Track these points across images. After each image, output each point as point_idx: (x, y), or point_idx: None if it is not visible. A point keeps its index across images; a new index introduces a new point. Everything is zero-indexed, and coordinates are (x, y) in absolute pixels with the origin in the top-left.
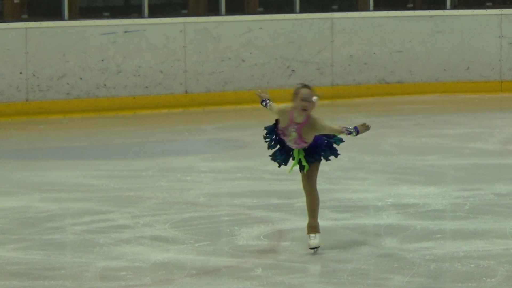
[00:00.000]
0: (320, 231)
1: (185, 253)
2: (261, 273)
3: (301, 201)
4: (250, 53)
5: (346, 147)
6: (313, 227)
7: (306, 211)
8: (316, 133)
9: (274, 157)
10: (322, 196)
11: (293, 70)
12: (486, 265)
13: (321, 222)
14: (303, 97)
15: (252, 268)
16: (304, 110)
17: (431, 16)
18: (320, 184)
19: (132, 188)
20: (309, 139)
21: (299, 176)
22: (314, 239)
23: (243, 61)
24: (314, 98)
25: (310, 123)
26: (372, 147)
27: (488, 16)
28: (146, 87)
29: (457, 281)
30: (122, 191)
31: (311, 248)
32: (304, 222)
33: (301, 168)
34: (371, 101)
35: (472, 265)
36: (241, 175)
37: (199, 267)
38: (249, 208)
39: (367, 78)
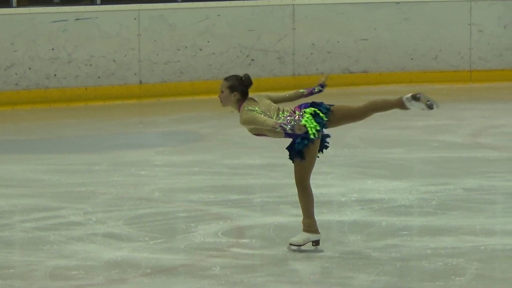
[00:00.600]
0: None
1: (140, 251)
2: (219, 272)
3: (261, 197)
4: (208, 41)
5: None
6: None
7: (266, 207)
8: (247, 126)
9: None
10: (281, 191)
11: (252, 60)
12: (454, 263)
13: (282, 219)
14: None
15: (210, 266)
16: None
17: (397, 3)
18: (280, 178)
19: (84, 183)
20: (254, 131)
21: (258, 170)
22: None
23: (200, 50)
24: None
25: (240, 114)
26: (336, 139)
27: (457, 3)
28: (99, 77)
29: (425, 280)
30: (74, 186)
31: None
32: (263, 218)
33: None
34: (335, 91)
35: (440, 263)
36: (198, 169)
37: (154, 265)
38: (207, 204)
39: (331, 68)
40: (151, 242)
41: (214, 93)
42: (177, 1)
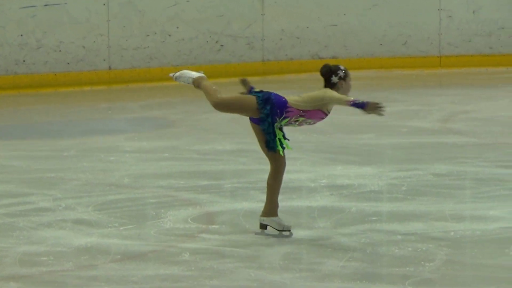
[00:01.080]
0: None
1: (109, 237)
2: (188, 258)
3: (230, 182)
4: (177, 27)
5: None
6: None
7: (236, 193)
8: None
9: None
10: (251, 177)
11: (222, 45)
12: (424, 248)
13: (251, 204)
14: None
15: (180, 252)
16: None
17: None
18: (250, 164)
19: (54, 169)
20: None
21: (228, 156)
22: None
23: (170, 35)
24: None
25: None
26: (305, 125)
27: None
28: (68, 63)
29: (394, 266)
30: (43, 172)
31: (287, 231)
32: (233, 204)
33: (276, 147)
34: (304, 77)
35: (409, 249)
36: (167, 155)
37: (123, 251)
38: (176, 190)
39: (300, 53)
40: (121, 228)
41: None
42: None
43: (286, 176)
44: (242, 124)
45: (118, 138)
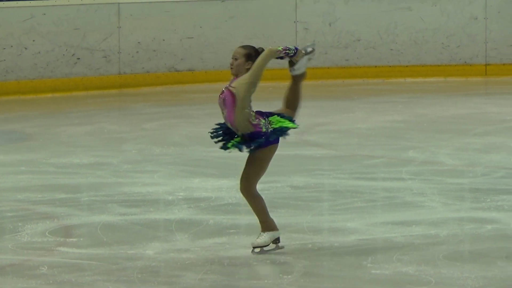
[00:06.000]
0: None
1: None
2: (46, 271)
3: (87, 195)
4: (33, 40)
5: (135, 139)
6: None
7: (93, 206)
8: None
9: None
10: (109, 190)
11: (78, 58)
12: (282, 261)
13: (109, 217)
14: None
15: (37, 266)
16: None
17: (223, 0)
18: (107, 177)
19: None
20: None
21: (85, 169)
22: (258, 238)
23: (26, 48)
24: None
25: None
26: (162, 138)
27: (282, 0)
28: None
29: (253, 278)
30: None
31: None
32: (91, 217)
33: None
34: (161, 90)
35: (268, 261)
36: (24, 168)
37: None
38: (33, 203)
39: (156, 66)
40: None
41: (40, 92)
42: (2, 0)
43: (143, 189)
44: (99, 138)
45: None
